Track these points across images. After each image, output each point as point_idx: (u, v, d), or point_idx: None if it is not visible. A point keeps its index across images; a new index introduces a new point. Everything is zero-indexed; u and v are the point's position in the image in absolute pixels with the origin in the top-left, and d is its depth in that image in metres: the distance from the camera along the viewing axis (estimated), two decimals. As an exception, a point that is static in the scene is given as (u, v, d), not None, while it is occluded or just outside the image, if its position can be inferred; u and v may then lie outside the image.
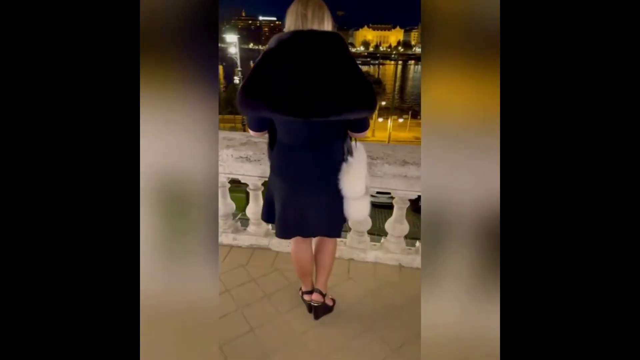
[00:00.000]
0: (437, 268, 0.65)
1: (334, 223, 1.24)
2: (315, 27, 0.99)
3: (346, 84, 0.97)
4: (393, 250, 1.90)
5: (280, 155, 1.17)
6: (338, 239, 2.01)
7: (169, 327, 0.63)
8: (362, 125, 1.15)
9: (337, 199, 1.18)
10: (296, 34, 0.97)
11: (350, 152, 1.18)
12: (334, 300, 1.58)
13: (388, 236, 1.94)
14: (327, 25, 1.02)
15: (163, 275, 0.61)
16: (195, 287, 0.63)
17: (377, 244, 2.02)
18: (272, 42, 0.99)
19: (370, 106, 1.03)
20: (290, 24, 1.01)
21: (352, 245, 1.93)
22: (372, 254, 1.92)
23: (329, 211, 1.21)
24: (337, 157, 1.16)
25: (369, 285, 1.75)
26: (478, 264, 0.63)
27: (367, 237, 1.96)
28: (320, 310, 1.49)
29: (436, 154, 0.63)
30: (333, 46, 0.98)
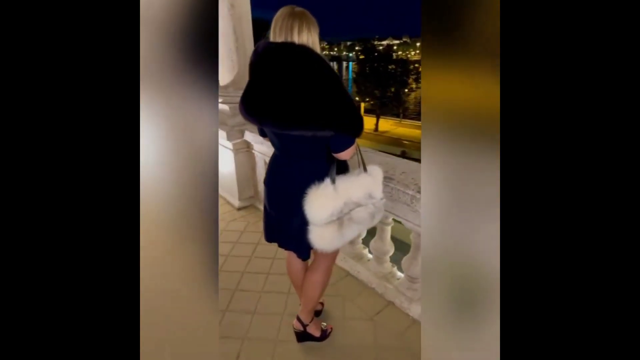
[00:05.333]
0: (438, 317, 0.64)
1: (301, 243, 1.12)
2: (281, 39, 0.94)
3: (303, 99, 0.90)
4: (444, 317, 1.43)
5: (269, 163, 1.18)
6: (395, 275, 1.72)
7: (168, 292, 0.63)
8: (338, 144, 0.99)
9: (304, 221, 1.05)
10: (256, 47, 0.97)
11: (332, 176, 1.03)
12: (324, 331, 1.40)
13: (446, 297, 1.47)
14: (301, 37, 0.94)
15: (165, 242, 0.61)
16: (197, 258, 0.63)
17: (439, 302, 1.57)
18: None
19: (336, 125, 0.93)
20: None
21: (400, 289, 1.60)
22: (418, 308, 1.52)
23: (296, 230, 1.11)
24: (313, 176, 1.03)
25: (387, 340, 1.42)
26: (478, 310, 0.60)
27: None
28: (300, 336, 1.39)
29: (436, 185, 0.63)
30: (292, 59, 0.92)
